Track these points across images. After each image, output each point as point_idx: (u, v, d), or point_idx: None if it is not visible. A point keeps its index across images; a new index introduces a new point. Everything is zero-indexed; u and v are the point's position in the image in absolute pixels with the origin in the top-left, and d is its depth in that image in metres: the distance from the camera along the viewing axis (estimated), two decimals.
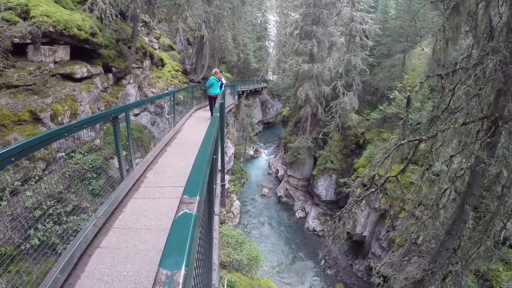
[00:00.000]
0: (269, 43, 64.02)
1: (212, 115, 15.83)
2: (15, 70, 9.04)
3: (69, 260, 4.24)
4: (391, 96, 26.04)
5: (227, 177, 30.35)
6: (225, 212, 27.40)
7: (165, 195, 6.60)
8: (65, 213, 6.38)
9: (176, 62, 27.25)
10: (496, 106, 7.23)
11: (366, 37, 30.58)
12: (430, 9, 7.23)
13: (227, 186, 29.88)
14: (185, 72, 27.26)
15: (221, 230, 17.68)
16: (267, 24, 60.52)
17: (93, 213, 5.37)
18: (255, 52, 52.53)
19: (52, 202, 6.38)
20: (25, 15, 10.09)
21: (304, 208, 33.18)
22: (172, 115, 13.41)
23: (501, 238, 9.02)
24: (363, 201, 11.42)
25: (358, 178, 10.60)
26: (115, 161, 8.42)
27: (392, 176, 9.82)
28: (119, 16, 13.51)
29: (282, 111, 49.87)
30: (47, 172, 7.93)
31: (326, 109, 31.59)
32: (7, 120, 8.00)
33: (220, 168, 8.07)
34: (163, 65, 22.52)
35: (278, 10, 59.85)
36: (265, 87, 58.61)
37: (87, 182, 7.95)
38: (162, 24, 30.74)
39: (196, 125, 14.57)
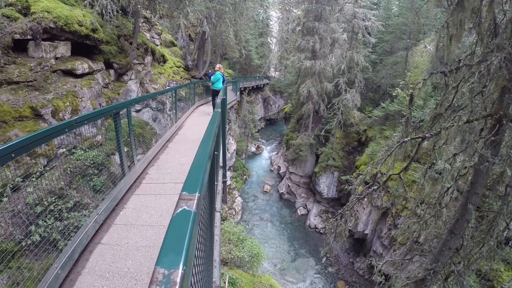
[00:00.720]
0: (271, 40, 64.14)
1: (214, 109, 16.09)
2: (16, 66, 9.01)
3: (70, 256, 4.23)
4: (393, 94, 26.05)
5: (229, 174, 30.36)
6: (226, 209, 27.43)
7: (167, 191, 6.59)
8: (66, 209, 6.36)
9: (178, 58, 27.24)
10: (501, 104, 7.16)
11: (369, 34, 30.55)
12: (434, 5, 7.11)
13: (228, 182, 29.90)
14: (186, 68, 27.23)
15: (222, 226, 17.69)
16: (269, 21, 60.63)
17: (94, 209, 5.36)
18: (257, 48, 52.64)
19: (53, 198, 6.36)
20: (25, 11, 10.02)
21: (306, 205, 33.22)
22: (174, 111, 13.37)
23: (504, 238, 8.99)
24: (365, 199, 11.39)
25: (360, 176, 10.56)
26: (116, 157, 8.39)
27: (395, 174, 9.78)
28: (120, 12, 13.48)
29: (284, 108, 49.81)
30: (48, 168, 7.92)
31: (328, 106, 31.57)
32: (8, 116, 7.98)
33: (221, 165, 8.05)
34: (164, 61, 22.48)
35: (280, 6, 59.74)
36: (267, 83, 58.69)
37: (88, 178, 7.93)
38: (164, 20, 30.69)
39: (198, 122, 14.54)
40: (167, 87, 19.37)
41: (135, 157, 7.54)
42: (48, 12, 10.12)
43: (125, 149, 6.76)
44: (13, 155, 3.22)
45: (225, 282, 13.12)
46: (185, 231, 1.39)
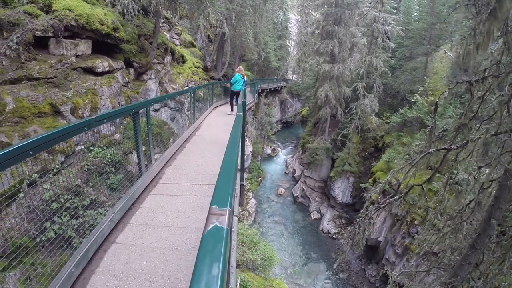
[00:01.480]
0: (289, 42, 64.13)
1: (232, 109, 16.23)
2: (36, 62, 9.09)
3: (84, 254, 4.19)
4: (412, 100, 25.76)
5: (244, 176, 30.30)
6: (240, 210, 27.36)
7: (183, 192, 6.52)
8: (82, 207, 6.36)
9: (197, 58, 27.31)
10: None
11: (388, 38, 30.19)
12: (463, 15, 6.92)
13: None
14: (205, 69, 27.30)
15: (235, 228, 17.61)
16: (288, 23, 60.69)
17: (110, 208, 5.33)
18: (276, 50, 52.63)
19: (70, 195, 6.37)
20: (47, 8, 10.14)
21: (319, 209, 32.96)
22: (192, 111, 13.35)
23: None
24: (385, 208, 11.18)
25: (380, 184, 10.36)
26: (134, 156, 8.39)
27: (417, 185, 9.56)
28: (141, 11, 13.52)
29: (301, 111, 49.69)
30: (65, 165, 7.95)
31: (346, 111, 31.34)
32: (27, 112, 8.04)
33: (239, 167, 7.99)
34: (184, 62, 22.56)
35: (299, 9, 59.58)
36: (285, 86, 58.68)
37: (105, 176, 7.94)
38: (184, 21, 30.82)
39: (216, 122, 14.50)
40: (186, 87, 19.42)
41: (153, 156, 7.51)
42: (69, 10, 10.20)
43: (143, 148, 6.74)
44: (30, 152, 3.18)
45: (236, 285, 13.05)
46: (218, 254, 1.29)
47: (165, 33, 21.83)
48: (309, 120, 39.59)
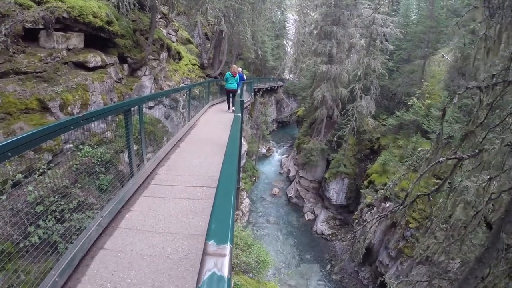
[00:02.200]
0: (287, 42, 64.10)
1: (229, 108, 16.06)
2: (25, 56, 8.74)
3: (69, 262, 3.92)
4: (409, 103, 25.86)
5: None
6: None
7: (176, 195, 6.24)
8: (69, 210, 6.06)
9: (193, 56, 27.06)
10: None
11: (387, 40, 30.12)
12: (482, 15, 6.61)
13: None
14: (202, 67, 27.09)
15: None
16: (286, 23, 60.74)
17: (99, 211, 5.04)
18: (273, 50, 52.61)
19: (56, 197, 6.06)
20: None
21: (313, 210, 32.83)
22: (187, 109, 13.08)
23: None
24: (388, 216, 10.91)
25: (381, 191, 10.14)
26: (125, 155, 8.11)
27: (424, 194, 9.30)
28: (137, 5, 13.26)
29: (297, 111, 49.57)
30: (52, 165, 7.63)
31: (342, 112, 31.32)
32: (13, 108, 7.70)
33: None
34: (180, 58, 22.28)
35: (297, 9, 59.52)
36: (281, 86, 58.59)
37: (94, 177, 7.65)
38: (181, 17, 30.55)
39: (211, 121, 14.26)
40: (181, 85, 19.13)
41: (145, 156, 7.22)
42: (62, 2, 9.88)
43: (135, 147, 6.46)
44: (9, 154, 2.91)
45: None
46: None
47: (161, 29, 21.52)
48: (305, 120, 39.45)
